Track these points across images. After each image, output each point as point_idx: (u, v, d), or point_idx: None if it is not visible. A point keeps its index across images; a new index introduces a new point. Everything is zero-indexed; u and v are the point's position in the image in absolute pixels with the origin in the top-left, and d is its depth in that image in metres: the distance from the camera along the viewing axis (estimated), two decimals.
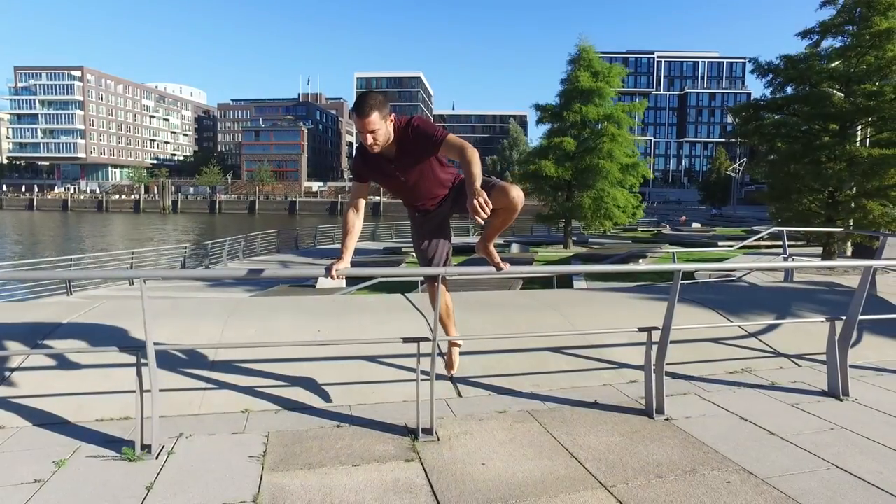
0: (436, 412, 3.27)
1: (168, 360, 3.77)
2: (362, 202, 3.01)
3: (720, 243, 20.22)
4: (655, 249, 18.22)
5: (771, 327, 5.50)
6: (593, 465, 2.91)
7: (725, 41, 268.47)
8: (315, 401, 3.69)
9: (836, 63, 12.07)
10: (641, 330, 3.67)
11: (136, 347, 3.02)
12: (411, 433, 3.24)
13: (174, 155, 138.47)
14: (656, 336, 3.69)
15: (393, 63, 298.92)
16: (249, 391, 3.69)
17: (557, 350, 4.54)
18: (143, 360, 2.98)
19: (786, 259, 8.01)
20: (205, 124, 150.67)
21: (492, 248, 3.11)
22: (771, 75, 12.61)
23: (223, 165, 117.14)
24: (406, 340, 3.25)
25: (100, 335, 4.12)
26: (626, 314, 5.46)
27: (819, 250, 12.75)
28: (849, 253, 13.74)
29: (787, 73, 12.27)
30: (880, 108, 11.34)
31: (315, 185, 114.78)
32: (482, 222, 2.93)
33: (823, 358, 4.98)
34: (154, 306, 4.25)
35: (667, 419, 3.55)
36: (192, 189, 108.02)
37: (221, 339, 4.18)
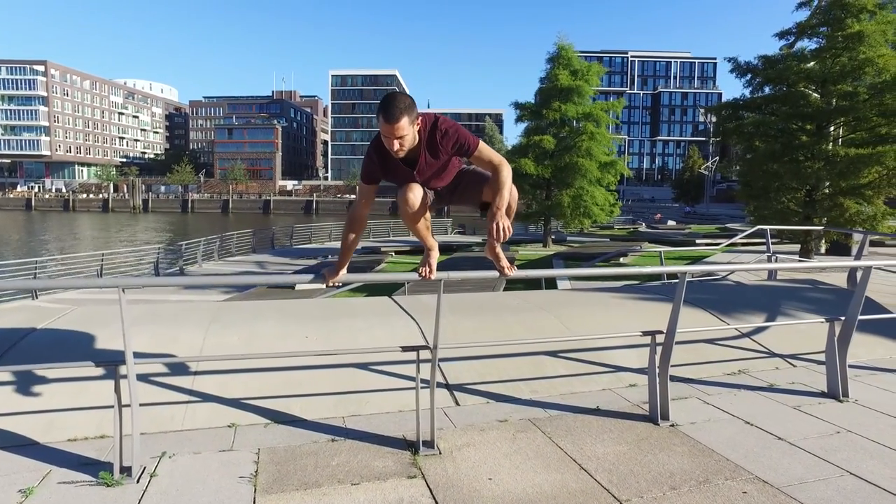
0: (435, 423, 3.12)
1: (148, 372, 3.54)
2: (370, 204, 2.77)
3: (698, 241, 20.44)
4: (635, 248, 18.34)
5: (763, 327, 5.47)
6: (604, 477, 2.78)
7: (696, 42, 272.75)
8: (307, 412, 3.50)
9: (812, 63, 12.26)
10: (646, 334, 3.57)
11: (113, 360, 2.79)
12: (411, 447, 3.07)
13: (144, 153, 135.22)
14: (659, 339, 3.60)
15: (368, 60, 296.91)
16: (236, 403, 3.48)
17: (554, 354, 4.42)
18: (121, 373, 2.76)
19: (770, 258, 8.03)
20: (176, 122, 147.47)
21: (499, 249, 2.96)
22: (749, 75, 12.77)
23: (195, 164, 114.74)
24: (405, 349, 3.09)
25: (72, 345, 3.85)
26: (619, 315, 5.37)
27: (795, 247, 12.93)
28: (823, 251, 13.98)
29: (765, 73, 12.42)
30: (854, 108, 11.55)
31: (290, 184, 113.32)
32: (495, 251, 2.80)
33: (817, 357, 4.99)
34: (130, 312, 4.00)
35: (672, 425, 3.45)
36: (163, 188, 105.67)
37: (204, 348, 3.95)
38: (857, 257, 7.45)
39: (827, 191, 11.97)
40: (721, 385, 4.24)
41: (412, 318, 4.73)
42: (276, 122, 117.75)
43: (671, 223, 43.23)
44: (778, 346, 5.03)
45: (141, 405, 2.95)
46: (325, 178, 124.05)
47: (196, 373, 3.68)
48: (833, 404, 3.91)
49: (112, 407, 2.77)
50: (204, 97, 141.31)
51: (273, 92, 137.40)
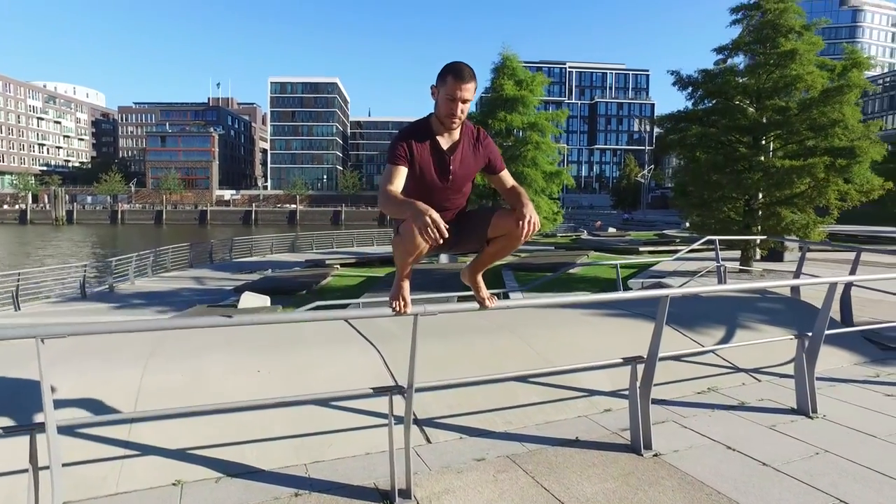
0: (405, 466, 2.84)
1: (73, 423, 3.07)
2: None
3: (641, 248, 21.02)
4: (582, 256, 18.60)
5: (725, 340, 5.50)
6: None
7: (630, 54, 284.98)
8: (264, 460, 3.13)
9: (746, 78, 12.82)
10: (627, 361, 3.42)
11: (27, 412, 2.35)
12: (385, 498, 2.78)
13: (68, 161, 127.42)
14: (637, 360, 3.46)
15: (308, 68, 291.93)
16: (182, 455, 3.07)
17: (524, 379, 4.22)
18: (38, 428, 2.33)
19: (719, 267, 8.20)
20: (104, 128, 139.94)
21: (479, 279, 2.72)
22: (691, 88, 13.23)
23: (126, 173, 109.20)
24: (378, 391, 2.79)
25: None
26: (586, 333, 5.25)
27: (736, 254, 13.42)
28: (758, 257, 14.58)
29: (705, 86, 12.90)
30: (787, 122, 12.14)
31: (227, 194, 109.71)
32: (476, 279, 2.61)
33: (779, 371, 5.04)
34: (52, 347, 3.51)
35: (655, 455, 3.31)
36: (89, 198, 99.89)
37: (142, 389, 3.51)
38: (797, 273, 7.70)
39: (764, 200, 12.50)
40: (694, 406, 4.16)
41: (373, 345, 4.42)
42: (212, 129, 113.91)
43: (612, 230, 44.46)
44: (741, 360, 5.04)
45: (64, 466, 2.53)
46: (265, 188, 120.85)
47: (133, 420, 3.24)
48: (805, 422, 3.89)
49: (26, 471, 2.34)
50: (134, 103, 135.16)
51: (209, 98, 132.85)
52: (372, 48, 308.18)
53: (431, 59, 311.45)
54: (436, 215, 2.09)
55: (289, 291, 14.44)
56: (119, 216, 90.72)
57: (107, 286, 16.51)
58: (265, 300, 12.34)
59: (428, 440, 3.50)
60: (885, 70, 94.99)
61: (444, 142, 2.43)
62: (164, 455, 3.06)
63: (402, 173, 2.36)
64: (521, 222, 2.26)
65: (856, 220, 14.65)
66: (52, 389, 2.58)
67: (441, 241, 2.11)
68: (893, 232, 28.19)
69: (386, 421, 3.26)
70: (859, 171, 11.43)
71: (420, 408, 3.77)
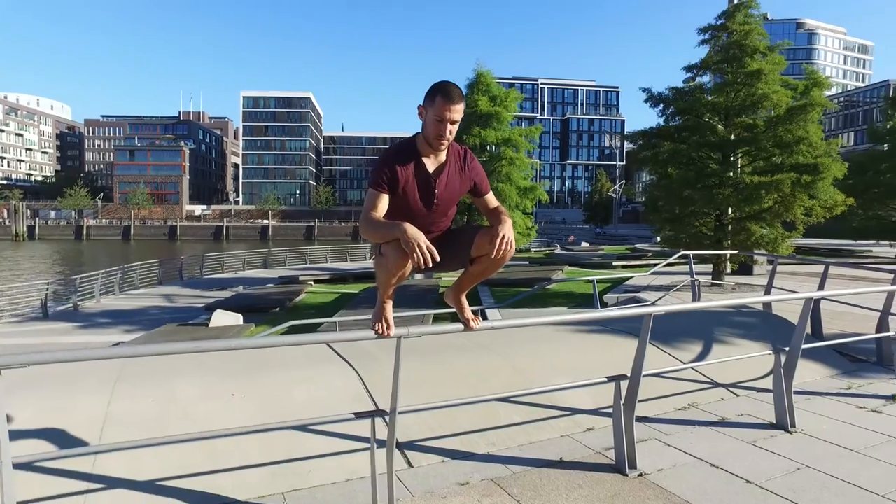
0: (388, 493, 2.74)
1: (31, 458, 2.90)
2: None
3: (615, 263, 21.28)
4: (557, 271, 18.72)
5: (702, 355, 5.54)
6: None
7: (600, 71, 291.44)
8: (240, 490, 2.99)
9: (715, 96, 13.18)
10: (611, 379, 3.39)
11: None
12: None
13: (30, 175, 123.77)
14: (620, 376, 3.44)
15: (282, 83, 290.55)
16: (151, 486, 2.92)
17: (506, 399, 4.15)
18: None
19: (693, 282, 8.31)
20: (69, 142, 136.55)
21: (464, 299, 2.66)
22: (662, 105, 13.54)
23: (92, 187, 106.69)
24: (359, 416, 2.70)
25: None
26: (565, 350, 5.23)
27: (707, 268, 13.65)
28: (729, 270, 14.86)
29: (676, 103, 13.22)
30: (754, 139, 12.49)
31: (198, 209, 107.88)
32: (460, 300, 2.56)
33: (757, 385, 5.08)
34: (9, 374, 3.31)
35: (640, 475, 3.28)
36: (53, 213, 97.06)
37: (108, 417, 3.34)
38: (768, 289, 7.85)
39: (734, 215, 12.79)
40: (676, 422, 4.15)
41: (351, 366, 4.31)
42: (183, 143, 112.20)
43: (585, 245, 45.00)
44: (719, 375, 5.07)
45: None
46: (237, 203, 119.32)
47: (98, 452, 3.07)
48: (785, 437, 3.91)
49: None
50: (102, 116, 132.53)
51: (180, 112, 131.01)
52: (345, 63, 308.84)
53: (404, 74, 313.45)
54: (426, 241, 2.05)
55: (262, 309, 14.16)
56: (84, 231, 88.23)
57: (71, 305, 15.95)
58: (237, 318, 12.06)
59: (410, 464, 3.41)
60: (840, 90, 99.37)
61: (431, 163, 2.38)
62: (132, 487, 2.90)
63: (384, 199, 2.31)
64: (494, 239, 2.23)
65: (818, 233, 15.14)
66: (9, 420, 2.43)
67: (430, 266, 2.06)
68: (853, 245, 29.21)
69: (366, 445, 3.17)
70: (823, 187, 11.80)
71: (401, 430, 3.68)
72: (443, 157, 2.41)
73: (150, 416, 3.40)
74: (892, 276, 6.06)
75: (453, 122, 2.29)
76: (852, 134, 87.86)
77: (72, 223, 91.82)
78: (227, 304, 14.30)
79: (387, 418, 2.99)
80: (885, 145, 23.96)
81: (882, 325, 6.09)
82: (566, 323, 5.14)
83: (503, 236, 2.23)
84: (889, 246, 25.06)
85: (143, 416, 3.38)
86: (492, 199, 2.54)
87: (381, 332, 2.49)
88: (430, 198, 2.39)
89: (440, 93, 2.28)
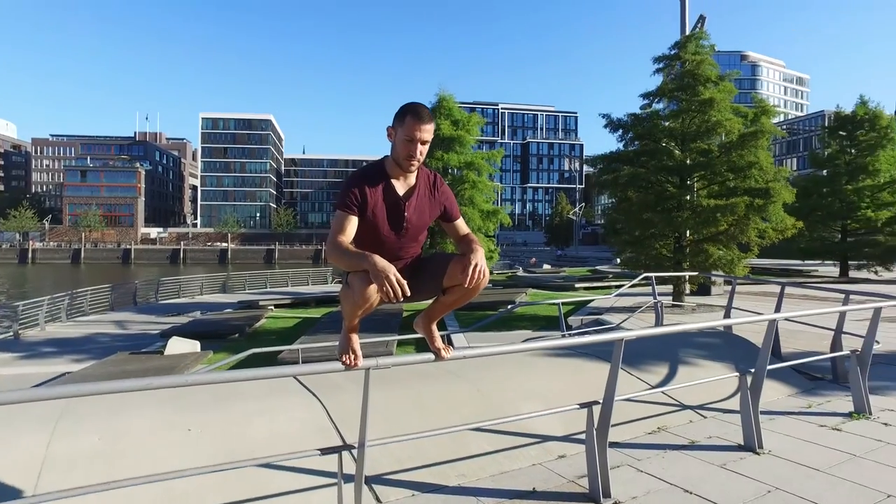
0: None
1: None
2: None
3: (577, 285, 21.54)
4: (521, 294, 18.81)
5: (668, 377, 5.57)
6: None
7: (558, 97, 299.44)
8: None
9: (671, 122, 13.65)
10: (583, 405, 3.34)
11: None
12: None
13: None
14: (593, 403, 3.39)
15: (241, 105, 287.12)
16: None
17: (475, 427, 4.05)
18: None
19: (656, 303, 8.44)
20: (14, 161, 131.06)
21: (434, 328, 2.58)
22: (621, 130, 13.93)
23: (39, 209, 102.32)
24: (325, 452, 2.55)
25: None
26: (534, 374, 5.18)
27: (668, 288, 13.94)
28: (688, 291, 15.22)
29: (635, 128, 13.63)
30: (710, 164, 12.96)
31: (154, 232, 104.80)
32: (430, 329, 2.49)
33: (723, 406, 5.13)
34: None
35: (615, 503, 3.21)
36: None
37: (47, 458, 3.09)
38: (727, 313, 8.04)
39: (692, 237, 13.16)
40: (647, 447, 4.12)
41: (316, 397, 4.14)
42: (138, 164, 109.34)
43: (546, 267, 45.44)
44: (686, 397, 5.10)
45: None
46: (194, 225, 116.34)
47: (34, 496, 2.81)
48: (753, 458, 3.93)
49: None
50: (51, 135, 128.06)
51: (136, 133, 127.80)
52: (307, 86, 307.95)
53: (365, 98, 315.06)
54: (396, 274, 1.97)
55: (220, 335, 13.68)
56: (30, 255, 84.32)
57: (11, 333, 15.04)
58: (195, 345, 11.59)
59: (378, 500, 3.26)
60: (781, 118, 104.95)
61: (400, 186, 2.32)
62: None
63: (353, 222, 2.22)
64: (466, 269, 2.16)
65: (768, 254, 15.76)
66: None
67: (401, 300, 1.98)
68: (800, 265, 30.51)
69: (333, 480, 3.02)
70: (775, 210, 12.28)
71: (367, 462, 3.52)
72: (412, 179, 2.36)
73: (97, 455, 3.16)
74: (843, 296, 6.26)
75: (423, 143, 2.24)
76: (795, 160, 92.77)
77: (15, 246, 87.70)
78: (184, 331, 13.76)
79: (354, 453, 2.86)
80: (825, 171, 25.28)
81: (836, 344, 6.28)
82: (539, 349, 5.10)
83: (476, 265, 2.16)
84: (833, 265, 26.24)
85: (89, 455, 3.14)
86: (462, 226, 2.50)
87: (348, 363, 2.38)
88: (400, 221, 2.32)
89: (409, 112, 2.23)
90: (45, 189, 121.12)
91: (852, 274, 23.01)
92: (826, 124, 32.25)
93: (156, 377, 2.23)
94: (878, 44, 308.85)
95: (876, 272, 22.30)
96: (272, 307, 19.70)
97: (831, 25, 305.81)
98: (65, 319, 17.53)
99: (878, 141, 23.18)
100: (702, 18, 16.28)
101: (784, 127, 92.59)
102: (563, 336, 7.82)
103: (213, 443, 3.42)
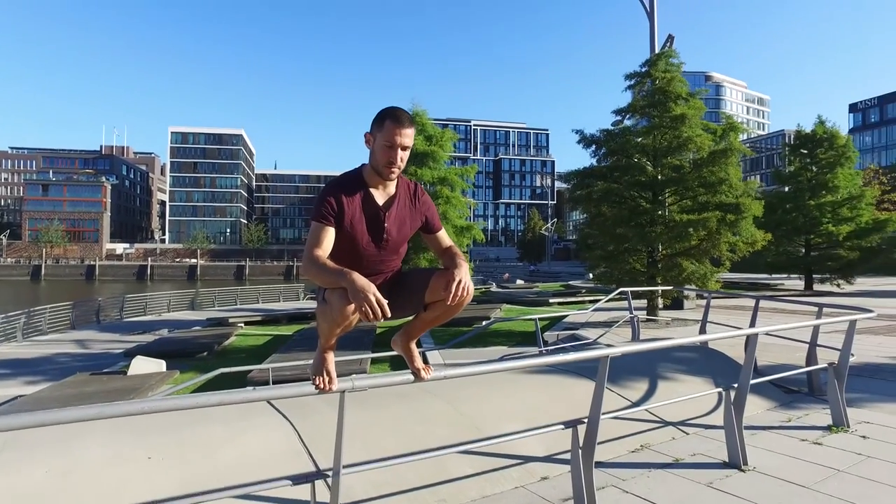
0: None
1: None
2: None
3: (551, 300, 21.54)
4: (495, 310, 18.72)
5: (649, 392, 5.50)
6: None
7: (529, 114, 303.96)
8: None
9: (643, 138, 13.83)
10: (567, 424, 3.21)
11: None
12: None
13: None
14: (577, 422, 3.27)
15: (212, 119, 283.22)
16: None
17: (456, 450, 3.89)
18: None
19: (632, 318, 8.42)
20: None
21: (413, 347, 2.43)
22: (594, 146, 14.06)
23: None
24: (296, 480, 2.37)
25: None
26: (514, 391, 5.04)
27: (642, 303, 14.01)
28: (661, 305, 15.32)
29: (607, 144, 13.76)
30: (682, 179, 13.14)
31: (120, 247, 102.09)
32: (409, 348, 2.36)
33: (705, 422, 5.06)
34: None
35: None
36: None
37: None
38: (702, 327, 8.07)
39: (665, 252, 13.28)
40: (631, 466, 4.02)
41: (286, 419, 3.92)
42: (104, 178, 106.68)
43: (519, 282, 45.48)
44: (668, 413, 5.02)
45: None
46: (163, 241, 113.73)
47: None
48: (739, 476, 3.85)
49: None
50: (10, 147, 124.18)
51: (101, 146, 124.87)
52: (278, 101, 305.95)
53: (337, 115, 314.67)
54: (377, 294, 1.82)
55: (187, 354, 13.19)
56: None
57: None
58: (160, 365, 11.13)
59: None
60: (745, 136, 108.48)
61: (380, 196, 2.18)
62: None
63: (330, 233, 2.07)
64: (450, 284, 2.02)
65: (735, 268, 16.05)
66: None
67: (381, 319, 1.83)
68: (768, 278, 31.22)
69: None
70: (745, 225, 12.49)
71: (342, 488, 3.33)
72: (392, 188, 2.22)
73: (44, 491, 2.89)
74: (815, 308, 6.31)
75: (404, 148, 2.12)
76: (759, 176, 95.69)
77: None
78: (149, 350, 13.23)
79: (328, 480, 2.67)
80: (787, 187, 26.05)
81: (811, 358, 6.32)
82: (521, 368, 4.98)
83: (459, 281, 2.02)
84: (798, 279, 26.90)
85: (34, 492, 2.87)
86: (445, 238, 2.37)
87: (322, 386, 2.21)
88: (380, 233, 2.18)
89: (389, 117, 2.11)
90: (3, 203, 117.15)
91: (816, 287, 23.59)
92: (787, 142, 33.29)
93: (107, 405, 2.02)
94: (830, 59, 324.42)
95: (838, 285, 22.90)
96: (242, 324, 19.19)
97: (787, 41, 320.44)
98: (20, 339, 16.76)
99: (836, 159, 24.04)
100: (670, 38, 16.67)
101: (748, 145, 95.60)
102: (541, 352, 7.72)
103: (175, 471, 3.18)
